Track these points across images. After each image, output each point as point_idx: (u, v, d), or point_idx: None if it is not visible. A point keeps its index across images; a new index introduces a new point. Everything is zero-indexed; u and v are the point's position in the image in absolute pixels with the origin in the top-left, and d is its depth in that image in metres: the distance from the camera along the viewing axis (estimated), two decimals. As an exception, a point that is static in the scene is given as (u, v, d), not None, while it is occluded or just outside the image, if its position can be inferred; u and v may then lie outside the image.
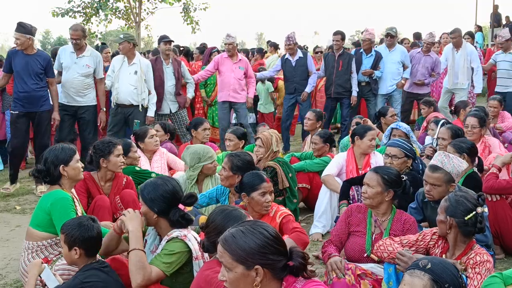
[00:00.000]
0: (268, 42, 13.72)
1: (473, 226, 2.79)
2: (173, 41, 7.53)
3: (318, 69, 8.61)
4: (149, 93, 6.80)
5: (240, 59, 7.77)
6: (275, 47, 12.90)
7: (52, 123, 6.31)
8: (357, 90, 8.13)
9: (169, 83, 7.22)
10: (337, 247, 3.38)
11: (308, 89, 8.12)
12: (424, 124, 6.92)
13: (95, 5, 19.18)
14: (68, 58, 6.45)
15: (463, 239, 2.84)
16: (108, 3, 19.30)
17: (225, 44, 7.73)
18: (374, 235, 3.33)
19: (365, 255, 3.28)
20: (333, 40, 8.32)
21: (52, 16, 18.74)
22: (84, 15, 19.37)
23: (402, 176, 3.41)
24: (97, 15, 19.50)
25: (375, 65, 8.20)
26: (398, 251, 2.89)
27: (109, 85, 6.76)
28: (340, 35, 8.16)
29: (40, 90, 6.11)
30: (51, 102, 6.29)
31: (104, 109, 6.70)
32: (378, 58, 8.23)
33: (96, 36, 19.94)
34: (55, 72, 6.52)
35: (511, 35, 8.43)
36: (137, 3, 19.57)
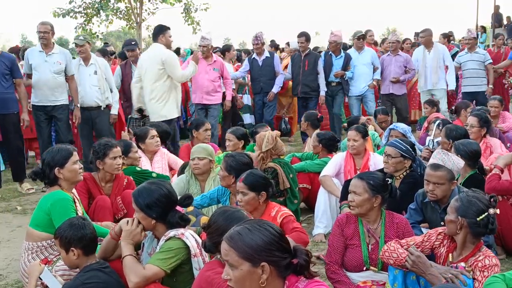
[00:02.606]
0: (271, 41, 13.72)
1: (485, 227, 2.77)
2: (136, 48, 7.47)
3: None
4: (111, 91, 6.72)
5: (215, 61, 7.69)
6: (275, 47, 12.92)
7: (21, 124, 6.18)
8: (325, 89, 8.22)
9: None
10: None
11: (274, 89, 8.19)
12: (426, 124, 6.91)
13: (96, 5, 19.21)
14: (37, 58, 6.22)
15: (472, 240, 2.81)
16: (109, 3, 19.32)
17: (199, 46, 7.61)
18: (370, 246, 3.22)
19: (365, 268, 3.19)
20: (298, 42, 8.42)
21: (53, 17, 18.76)
22: (85, 16, 19.40)
23: (387, 179, 3.32)
24: (98, 15, 19.52)
25: (345, 66, 8.28)
26: (408, 249, 2.86)
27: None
28: (304, 37, 8.29)
29: (6, 92, 5.98)
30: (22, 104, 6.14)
31: (79, 106, 6.45)
32: (348, 59, 8.34)
33: (97, 36, 19.95)
34: (24, 75, 6.37)
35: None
36: (138, 3, 19.59)
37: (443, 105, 8.35)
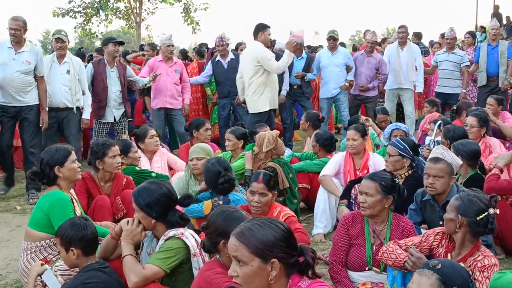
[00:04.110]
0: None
1: (484, 226, 2.77)
2: (123, 43, 7.16)
3: None
4: (83, 93, 6.33)
5: (175, 62, 7.45)
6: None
7: None
8: (287, 89, 7.90)
9: (114, 88, 6.68)
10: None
11: None
12: (425, 124, 6.86)
13: (96, 5, 19.24)
14: (5, 54, 5.77)
15: (471, 239, 2.81)
16: (108, 3, 19.35)
17: (167, 46, 7.30)
18: (374, 246, 3.21)
19: (367, 268, 3.19)
20: None
21: (52, 16, 18.79)
22: (84, 15, 19.44)
23: (394, 179, 3.32)
24: (98, 15, 19.56)
25: (307, 68, 8.02)
26: (408, 250, 2.87)
27: None
28: None
29: None
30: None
31: (47, 109, 6.05)
32: (310, 60, 8.11)
33: (97, 36, 19.97)
34: None
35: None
36: (137, 3, 19.62)
37: (410, 107, 8.33)
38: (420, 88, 8.41)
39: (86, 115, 6.37)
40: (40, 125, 6.04)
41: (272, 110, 6.95)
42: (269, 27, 6.89)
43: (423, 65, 8.45)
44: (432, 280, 2.03)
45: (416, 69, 8.26)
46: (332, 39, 8.13)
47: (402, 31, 8.26)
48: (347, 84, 8.14)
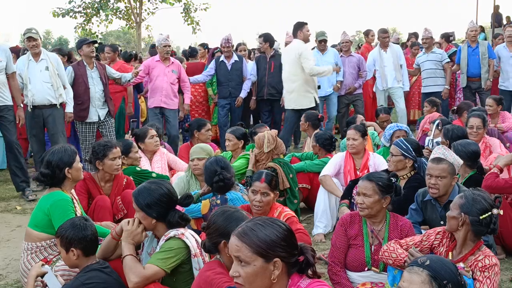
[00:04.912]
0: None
1: (487, 226, 2.77)
2: (96, 42, 7.11)
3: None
4: (64, 88, 6.26)
5: (172, 62, 7.41)
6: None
7: None
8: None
9: (97, 88, 6.62)
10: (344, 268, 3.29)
11: (242, 94, 8.03)
12: (425, 124, 6.85)
13: (96, 5, 19.24)
14: None
15: (473, 238, 2.81)
16: (108, 3, 19.35)
17: (163, 46, 7.26)
18: (372, 246, 3.21)
19: (366, 269, 3.19)
20: (259, 43, 8.32)
21: (52, 16, 18.80)
22: (84, 16, 19.44)
23: (391, 179, 3.32)
24: (98, 15, 19.56)
25: None
26: (409, 251, 2.86)
27: (21, 87, 6.13)
28: (262, 37, 8.13)
29: None
30: None
31: (22, 106, 6.02)
32: None
33: (97, 36, 19.97)
34: None
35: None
36: (137, 3, 19.61)
37: (401, 104, 8.47)
38: (407, 87, 8.67)
39: (69, 108, 6.35)
40: (17, 122, 6.01)
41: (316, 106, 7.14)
42: (306, 24, 7.10)
43: (406, 64, 8.72)
44: (423, 277, 2.05)
45: (400, 67, 8.50)
46: (324, 41, 8.31)
47: (384, 36, 8.58)
48: (338, 85, 8.34)
